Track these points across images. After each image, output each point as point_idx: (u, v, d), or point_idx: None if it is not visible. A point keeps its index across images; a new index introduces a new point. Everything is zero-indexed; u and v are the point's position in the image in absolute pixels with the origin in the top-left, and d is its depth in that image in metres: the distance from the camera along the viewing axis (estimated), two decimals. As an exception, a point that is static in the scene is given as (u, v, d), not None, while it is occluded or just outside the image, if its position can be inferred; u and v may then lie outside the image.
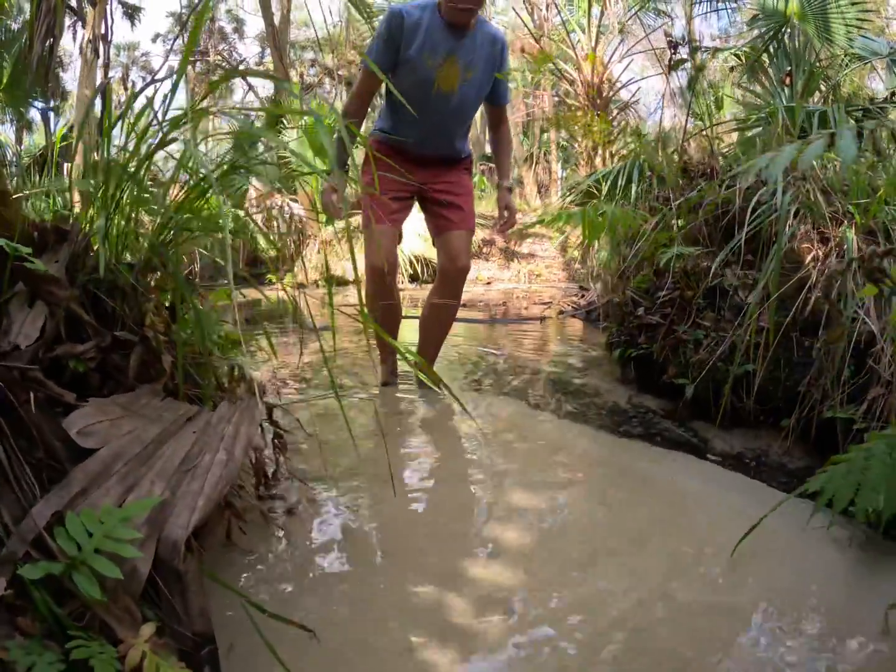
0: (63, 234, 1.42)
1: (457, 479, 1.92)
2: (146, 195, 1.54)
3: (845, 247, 2.39)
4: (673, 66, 3.45)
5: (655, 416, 2.59)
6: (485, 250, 9.38)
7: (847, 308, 2.09)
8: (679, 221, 2.97)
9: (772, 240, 2.53)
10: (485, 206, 10.69)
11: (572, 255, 8.96)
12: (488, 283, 8.28)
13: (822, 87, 6.06)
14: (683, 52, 3.60)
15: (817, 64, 5.99)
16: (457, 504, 1.75)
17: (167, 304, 1.55)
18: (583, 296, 6.09)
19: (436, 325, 2.87)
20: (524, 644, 1.17)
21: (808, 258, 2.54)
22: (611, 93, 8.65)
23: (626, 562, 1.46)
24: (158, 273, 1.54)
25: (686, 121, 3.35)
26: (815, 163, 2.65)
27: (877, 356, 1.96)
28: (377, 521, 1.63)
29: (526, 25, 8.31)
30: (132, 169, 1.45)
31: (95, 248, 1.42)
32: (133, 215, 1.56)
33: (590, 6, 7.65)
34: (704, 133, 3.64)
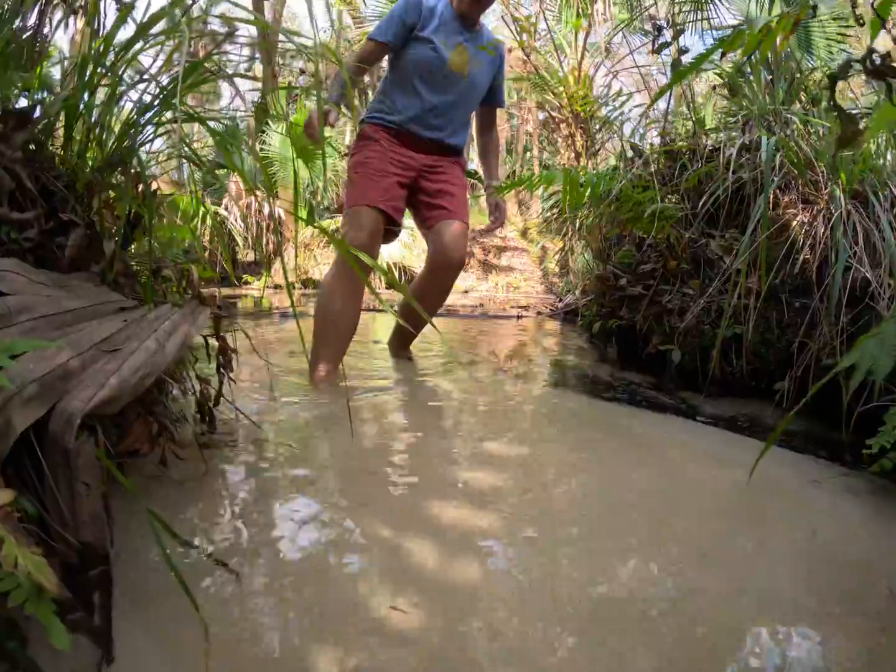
0: (25, 120, 1.26)
1: (425, 431, 1.75)
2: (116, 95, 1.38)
3: (832, 207, 2.30)
4: (657, 50, 3.37)
5: (640, 387, 2.45)
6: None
7: (839, 258, 1.99)
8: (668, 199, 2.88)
9: (756, 200, 2.43)
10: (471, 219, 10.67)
11: (549, 265, 8.92)
12: (465, 293, 8.16)
13: (802, 97, 6.11)
14: (668, 36, 3.50)
15: (798, 74, 6.05)
16: (424, 452, 1.58)
17: (128, 211, 1.39)
18: (560, 300, 5.99)
19: (417, 316, 2.52)
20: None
21: (794, 223, 2.44)
22: (594, 107, 8.70)
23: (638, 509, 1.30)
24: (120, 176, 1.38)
25: (669, 102, 3.28)
26: (797, 121, 2.58)
27: (873, 295, 1.85)
28: (323, 461, 1.45)
29: (516, 39, 8.32)
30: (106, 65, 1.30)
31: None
32: (105, 119, 1.40)
33: (578, 20, 7.71)
34: (689, 117, 3.57)
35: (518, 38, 7.88)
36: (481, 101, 2.67)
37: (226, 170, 1.96)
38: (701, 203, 2.68)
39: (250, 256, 8.84)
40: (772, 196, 2.43)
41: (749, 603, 0.94)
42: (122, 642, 0.77)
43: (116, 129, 1.46)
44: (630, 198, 2.38)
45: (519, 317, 5.12)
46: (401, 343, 2.86)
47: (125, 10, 1.33)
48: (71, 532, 0.77)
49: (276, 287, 7.54)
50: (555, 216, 6.11)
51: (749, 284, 2.26)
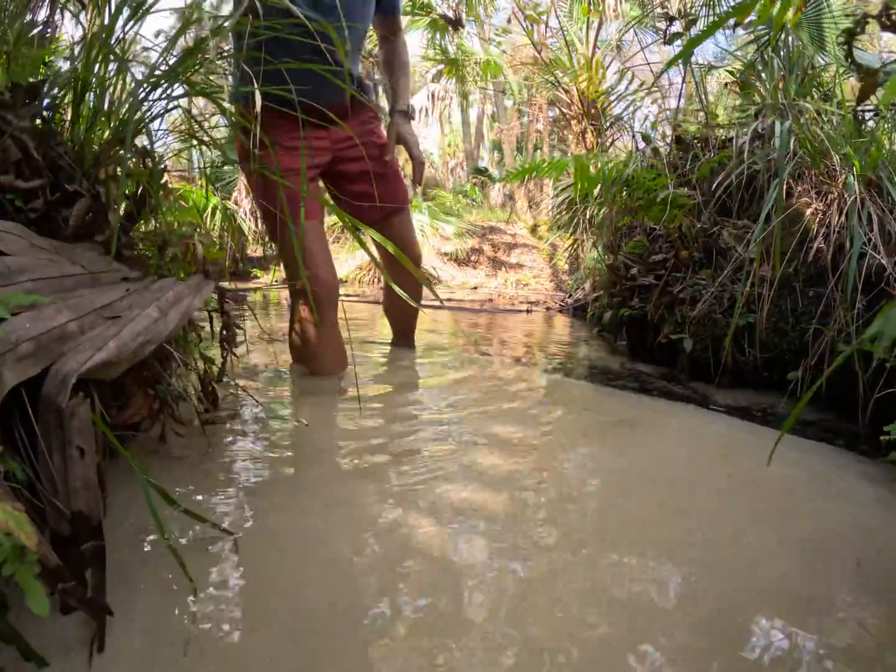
0: (34, 93, 1.25)
1: (432, 409, 1.72)
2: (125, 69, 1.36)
3: (846, 195, 2.25)
4: (668, 40, 3.34)
5: (651, 377, 2.41)
6: (472, 258, 9.25)
7: (854, 244, 1.95)
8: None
9: (768, 190, 2.39)
10: (476, 215, 10.59)
11: (559, 262, 8.87)
12: (474, 289, 8.13)
13: (815, 94, 6.05)
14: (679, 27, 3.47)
15: (810, 70, 5.98)
16: (429, 431, 1.55)
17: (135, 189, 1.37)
18: (570, 295, 5.95)
19: (405, 306, 2.40)
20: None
21: (808, 212, 2.40)
22: (605, 104, 8.67)
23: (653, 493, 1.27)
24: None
25: (679, 99, 3.23)
26: (811, 109, 2.54)
27: (889, 280, 1.81)
28: (328, 437, 1.43)
29: (530, 38, 8.25)
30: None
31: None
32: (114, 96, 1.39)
33: (588, 19, 7.68)
34: (701, 109, 3.53)
35: (527, 33, 7.84)
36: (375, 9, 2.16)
37: (235, 164, 1.93)
38: (713, 192, 2.65)
39: (259, 252, 8.84)
40: (785, 186, 2.39)
41: (765, 583, 0.92)
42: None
43: (125, 105, 1.44)
44: (642, 184, 2.34)
45: (528, 311, 5.09)
46: (400, 333, 2.66)
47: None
48: (62, 500, 0.74)
49: (285, 282, 7.52)
50: (566, 208, 6.08)
51: (762, 273, 2.23)
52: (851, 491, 1.29)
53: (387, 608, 0.80)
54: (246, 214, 7.97)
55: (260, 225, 7.53)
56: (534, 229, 10.31)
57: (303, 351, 2.02)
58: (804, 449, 1.57)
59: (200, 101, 1.70)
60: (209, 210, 7.15)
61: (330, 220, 7.39)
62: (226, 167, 8.11)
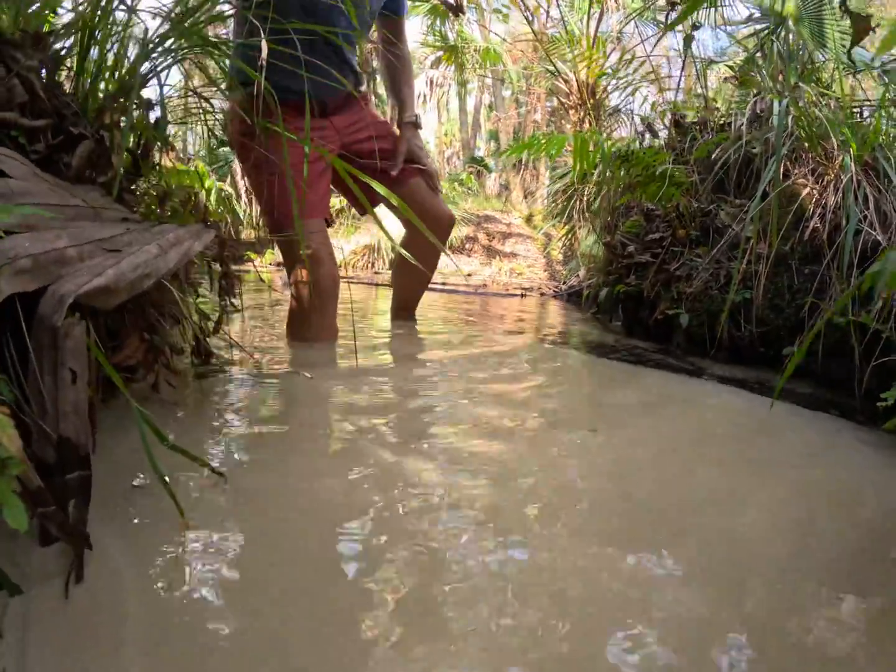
0: (42, 40, 1.23)
1: (427, 378, 1.72)
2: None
3: (843, 178, 2.26)
4: (670, 26, 3.33)
5: (647, 351, 2.41)
6: (467, 246, 9.23)
7: (850, 220, 1.95)
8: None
9: (765, 172, 2.39)
10: (471, 204, 10.56)
11: (553, 252, 8.87)
12: (469, 275, 8.13)
13: (813, 87, 6.06)
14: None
15: (809, 65, 5.99)
16: (423, 391, 1.54)
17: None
18: (564, 282, 5.96)
19: (417, 276, 2.38)
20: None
21: (804, 192, 2.41)
22: (603, 94, 8.66)
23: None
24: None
25: (681, 75, 3.23)
26: (809, 91, 2.54)
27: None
28: (320, 394, 1.42)
29: (530, 26, 8.21)
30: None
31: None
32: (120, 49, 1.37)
33: (590, 7, 7.66)
34: (700, 92, 3.53)
35: (529, 19, 7.82)
36: (381, 10, 2.16)
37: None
38: (711, 171, 2.65)
39: (253, 236, 8.81)
40: (782, 167, 2.39)
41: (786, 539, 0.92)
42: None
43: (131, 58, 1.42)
44: (641, 160, 2.34)
45: (522, 296, 5.10)
46: (402, 304, 2.65)
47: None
48: (50, 424, 0.71)
49: (279, 265, 7.50)
50: (561, 196, 6.06)
51: (759, 250, 2.23)
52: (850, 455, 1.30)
53: (377, 549, 0.80)
54: (240, 198, 7.93)
55: (255, 210, 7.48)
56: (528, 219, 10.31)
57: (300, 323, 1.99)
58: (802, 415, 1.58)
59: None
60: (203, 193, 7.10)
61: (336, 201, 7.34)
62: (221, 149, 8.06)
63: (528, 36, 9.24)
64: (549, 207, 7.99)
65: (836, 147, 2.35)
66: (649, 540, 0.84)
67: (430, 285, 2.78)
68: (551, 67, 7.62)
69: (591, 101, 8.12)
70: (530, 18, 10.23)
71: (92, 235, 0.90)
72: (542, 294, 5.40)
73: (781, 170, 2.35)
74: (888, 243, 1.88)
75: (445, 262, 8.94)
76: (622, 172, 2.44)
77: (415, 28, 12.86)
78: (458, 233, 9.19)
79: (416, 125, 2.24)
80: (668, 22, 3.50)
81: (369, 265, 7.63)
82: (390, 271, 7.30)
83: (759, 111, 2.61)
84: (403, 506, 0.88)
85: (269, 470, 0.98)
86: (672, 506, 0.95)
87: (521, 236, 9.97)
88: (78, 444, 0.74)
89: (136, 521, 0.80)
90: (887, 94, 2.45)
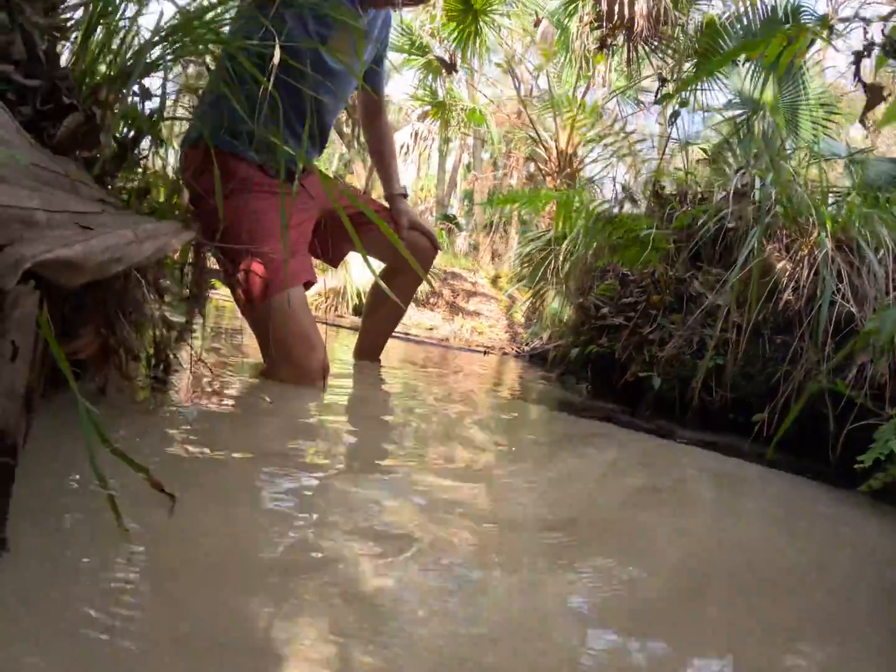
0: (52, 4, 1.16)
1: (386, 413, 1.63)
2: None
3: (817, 252, 2.32)
4: (659, 100, 3.45)
5: (614, 412, 2.37)
6: (431, 300, 9.25)
7: (825, 289, 1.99)
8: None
9: (741, 246, 2.44)
10: (439, 259, 10.66)
11: (516, 314, 8.94)
12: (430, 329, 8.11)
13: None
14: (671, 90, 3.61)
15: (782, 150, 6.28)
16: (382, 427, 1.45)
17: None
18: (527, 344, 5.96)
19: (390, 315, 2.42)
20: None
21: (779, 266, 2.46)
22: (580, 165, 8.96)
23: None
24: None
25: (665, 145, 3.33)
26: (790, 169, 2.63)
27: (857, 329, 1.86)
28: (288, 412, 1.32)
29: (517, 92, 8.50)
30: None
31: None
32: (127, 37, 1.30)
33: (577, 81, 8.00)
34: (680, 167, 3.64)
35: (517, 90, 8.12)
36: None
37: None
38: (689, 241, 2.69)
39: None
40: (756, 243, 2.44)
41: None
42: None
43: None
44: (624, 223, 2.35)
45: (485, 353, 5.07)
46: (370, 345, 2.54)
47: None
48: None
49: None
50: (529, 261, 6.13)
51: (734, 319, 2.25)
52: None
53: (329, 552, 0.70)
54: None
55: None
56: (495, 280, 10.42)
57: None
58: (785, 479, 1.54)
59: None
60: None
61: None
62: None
63: (515, 101, 9.58)
64: (517, 270, 8.09)
65: (811, 224, 2.42)
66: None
67: (392, 334, 2.73)
68: (533, 134, 7.86)
69: (569, 169, 8.38)
70: (517, 85, 10.60)
71: (66, 206, 0.82)
72: (504, 353, 5.38)
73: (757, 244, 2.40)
74: (861, 316, 1.91)
75: (409, 313, 8.94)
76: (606, 234, 2.44)
77: (405, 81, 13.24)
78: (422, 287, 9.22)
79: (406, 195, 2.34)
80: (657, 97, 3.62)
81: (333, 307, 7.54)
82: (354, 316, 7.23)
83: (740, 185, 2.68)
84: (341, 516, 0.79)
85: (210, 486, 0.87)
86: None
87: (485, 296, 10.06)
88: (5, 430, 0.63)
89: (66, 521, 0.70)
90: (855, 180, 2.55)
